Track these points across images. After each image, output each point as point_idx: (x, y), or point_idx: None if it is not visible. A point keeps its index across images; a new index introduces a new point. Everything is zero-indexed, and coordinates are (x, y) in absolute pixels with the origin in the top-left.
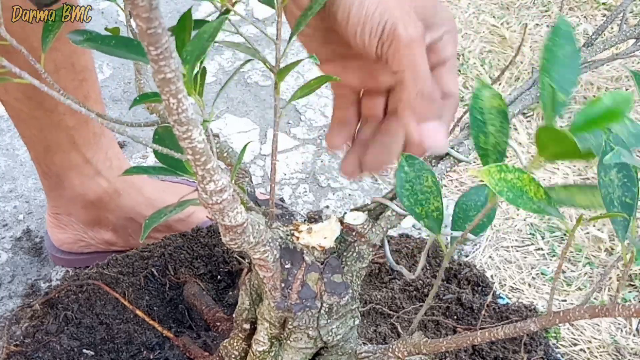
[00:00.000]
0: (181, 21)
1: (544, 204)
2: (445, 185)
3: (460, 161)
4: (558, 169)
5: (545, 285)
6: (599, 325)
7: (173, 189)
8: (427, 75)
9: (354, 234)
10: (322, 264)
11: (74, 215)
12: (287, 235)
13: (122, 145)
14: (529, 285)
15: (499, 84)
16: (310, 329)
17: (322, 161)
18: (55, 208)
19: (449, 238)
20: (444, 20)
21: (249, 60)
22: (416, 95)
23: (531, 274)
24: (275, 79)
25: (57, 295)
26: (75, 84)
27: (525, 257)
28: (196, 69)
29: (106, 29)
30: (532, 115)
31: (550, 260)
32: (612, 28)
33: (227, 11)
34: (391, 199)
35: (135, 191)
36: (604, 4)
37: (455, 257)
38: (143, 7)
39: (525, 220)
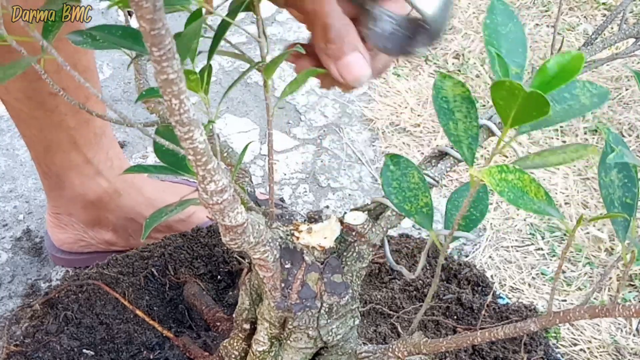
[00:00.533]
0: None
1: (544, 205)
2: (445, 185)
3: (460, 161)
4: (558, 169)
5: (545, 285)
6: (599, 325)
7: (173, 189)
8: (333, 16)
9: (354, 234)
10: (322, 264)
11: (74, 215)
12: (287, 235)
13: (122, 145)
14: (529, 285)
15: None
16: (310, 329)
17: (322, 161)
18: (56, 208)
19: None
20: None
21: (253, 67)
22: (325, 42)
23: (531, 274)
24: (263, 77)
25: (57, 295)
26: (76, 84)
27: (525, 257)
28: (201, 66)
29: None
30: None
31: (550, 260)
32: (612, 28)
33: (238, 9)
34: None
35: (135, 191)
36: (604, 4)
37: (455, 257)
38: (147, 8)
39: (525, 220)
